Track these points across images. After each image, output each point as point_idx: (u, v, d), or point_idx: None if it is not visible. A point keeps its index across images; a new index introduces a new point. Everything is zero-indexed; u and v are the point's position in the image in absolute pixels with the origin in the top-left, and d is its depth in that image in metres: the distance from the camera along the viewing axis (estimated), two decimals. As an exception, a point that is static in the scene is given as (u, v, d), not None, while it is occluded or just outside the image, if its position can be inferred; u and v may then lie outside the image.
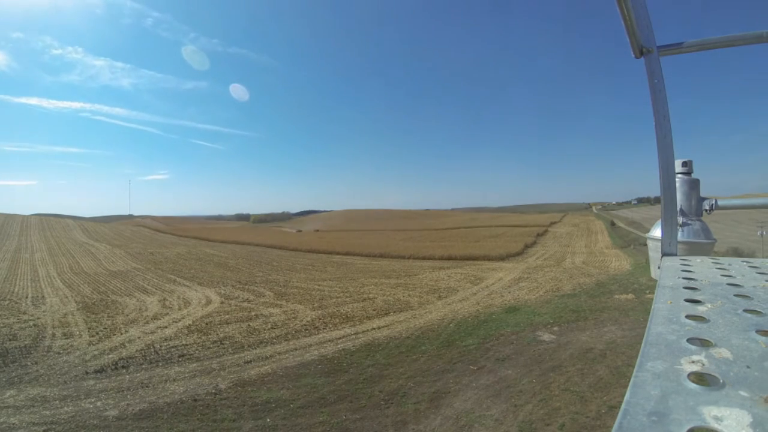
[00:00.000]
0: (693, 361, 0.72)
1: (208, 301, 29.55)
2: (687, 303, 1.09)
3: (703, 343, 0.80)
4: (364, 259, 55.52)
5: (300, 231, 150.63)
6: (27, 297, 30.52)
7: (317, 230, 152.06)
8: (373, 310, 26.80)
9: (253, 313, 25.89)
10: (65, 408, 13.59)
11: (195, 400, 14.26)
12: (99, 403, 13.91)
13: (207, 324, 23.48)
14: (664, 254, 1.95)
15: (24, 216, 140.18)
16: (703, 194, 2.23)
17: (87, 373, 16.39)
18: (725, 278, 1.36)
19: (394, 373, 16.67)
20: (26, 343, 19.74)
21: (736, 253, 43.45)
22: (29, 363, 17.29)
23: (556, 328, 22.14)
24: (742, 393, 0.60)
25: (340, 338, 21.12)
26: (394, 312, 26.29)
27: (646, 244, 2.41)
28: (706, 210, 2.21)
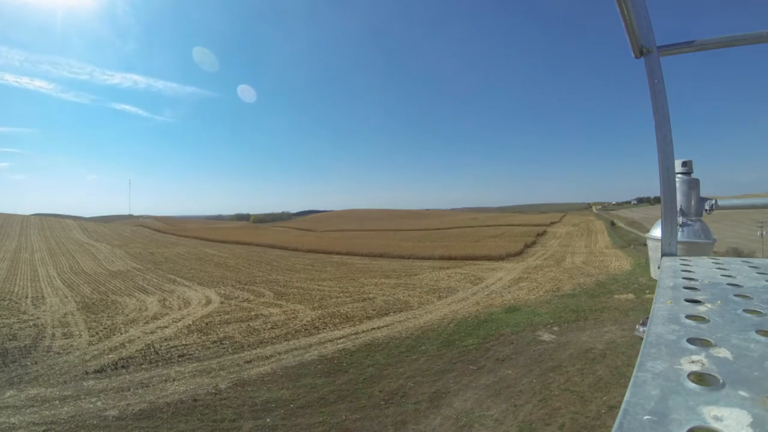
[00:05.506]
0: (693, 361, 0.72)
1: (208, 301, 29.54)
2: (687, 303, 1.09)
3: (703, 343, 0.80)
4: (363, 259, 55.51)
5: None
6: (27, 297, 30.50)
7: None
8: (373, 310, 26.79)
9: (253, 313, 25.88)
10: (65, 408, 13.59)
11: (195, 400, 14.26)
12: (99, 403, 13.91)
13: (207, 324, 23.47)
14: (664, 254, 1.95)
15: (24, 216, 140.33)
16: (703, 194, 2.23)
17: (87, 373, 16.39)
18: (725, 278, 1.36)
19: (394, 373, 16.67)
20: (26, 343, 19.73)
21: (736, 253, 43.45)
22: (29, 363, 17.28)
23: (556, 328, 22.15)
24: (742, 393, 0.60)
25: (339, 338, 21.12)
26: (394, 312, 26.29)
27: (646, 244, 2.41)
28: (706, 210, 2.21)
